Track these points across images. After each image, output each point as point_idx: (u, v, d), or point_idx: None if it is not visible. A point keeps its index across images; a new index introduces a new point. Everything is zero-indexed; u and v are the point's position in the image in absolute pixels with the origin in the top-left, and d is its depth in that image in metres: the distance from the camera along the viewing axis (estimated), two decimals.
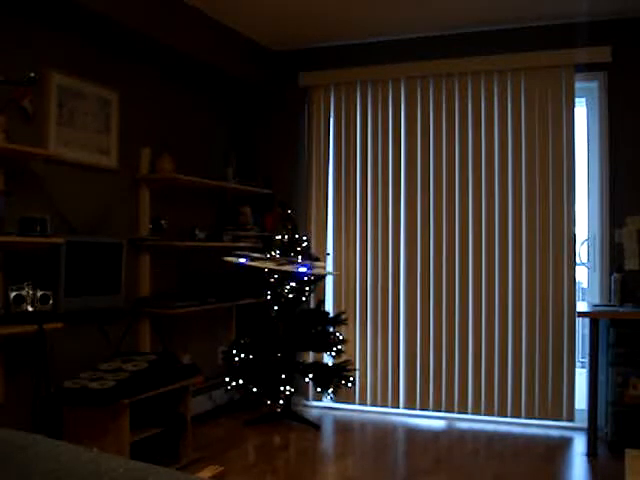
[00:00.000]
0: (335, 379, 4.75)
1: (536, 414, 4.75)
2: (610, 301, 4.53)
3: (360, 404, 5.19)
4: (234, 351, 4.73)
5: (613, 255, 4.60)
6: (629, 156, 4.58)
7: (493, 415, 4.86)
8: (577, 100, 4.74)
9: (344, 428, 4.81)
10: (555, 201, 4.73)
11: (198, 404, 4.66)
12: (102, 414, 3.39)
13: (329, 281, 5.30)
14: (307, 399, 5.29)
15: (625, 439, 4.07)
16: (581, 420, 4.49)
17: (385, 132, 5.18)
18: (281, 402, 4.76)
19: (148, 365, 3.70)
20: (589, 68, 4.66)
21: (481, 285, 4.91)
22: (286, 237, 4.87)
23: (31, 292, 3.29)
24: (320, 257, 5.14)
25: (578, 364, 4.93)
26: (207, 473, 3.23)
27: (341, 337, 4.84)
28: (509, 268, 4.83)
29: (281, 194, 5.42)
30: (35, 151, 3.41)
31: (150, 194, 4.46)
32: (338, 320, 4.87)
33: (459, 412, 4.93)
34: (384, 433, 4.68)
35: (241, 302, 5.06)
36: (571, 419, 4.67)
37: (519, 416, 4.80)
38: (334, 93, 5.34)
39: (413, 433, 4.68)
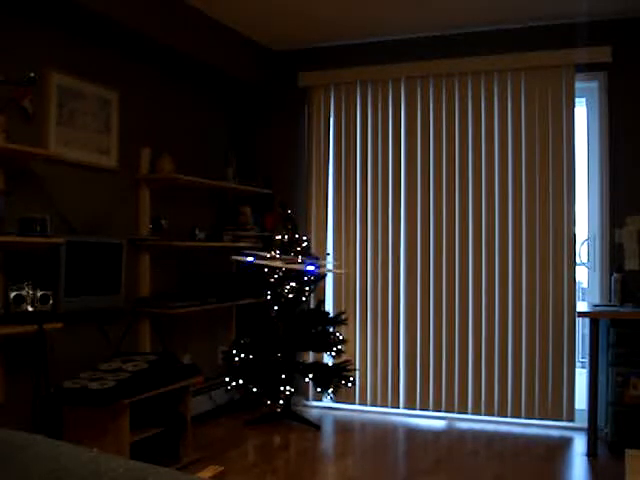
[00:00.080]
0: (335, 379, 4.75)
1: (536, 414, 4.76)
2: (610, 301, 4.53)
3: (360, 404, 5.19)
4: (234, 351, 4.74)
5: (613, 255, 4.60)
6: (629, 156, 4.58)
7: (493, 415, 4.86)
8: (577, 100, 4.74)
9: (344, 428, 4.81)
10: (555, 201, 4.73)
11: (198, 404, 4.66)
12: (102, 414, 3.39)
13: (329, 281, 5.30)
14: (307, 399, 5.29)
15: (625, 439, 4.07)
16: (581, 420, 4.49)
17: (385, 132, 5.18)
18: (281, 402, 4.76)
19: (148, 365, 3.70)
20: (589, 68, 4.66)
21: (481, 285, 4.91)
22: (286, 237, 4.87)
23: (31, 292, 3.29)
24: (320, 257, 5.13)
25: (578, 364, 4.93)
26: (207, 473, 3.23)
27: (341, 337, 4.84)
28: (509, 268, 4.83)
29: (281, 194, 5.42)
30: (35, 151, 3.41)
31: (150, 194, 4.46)
32: (338, 320, 4.87)
33: (459, 412, 4.93)
34: (384, 433, 4.68)
35: (241, 302, 5.06)
36: (571, 419, 4.67)
37: (519, 416, 4.80)
38: (334, 93, 5.34)
39: (413, 433, 4.68)
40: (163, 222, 4.46)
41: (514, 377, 4.81)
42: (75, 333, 3.81)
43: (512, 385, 4.82)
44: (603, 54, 4.58)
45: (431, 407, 5.01)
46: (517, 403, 4.80)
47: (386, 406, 5.13)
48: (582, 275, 5.15)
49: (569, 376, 4.69)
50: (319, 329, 4.81)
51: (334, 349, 4.79)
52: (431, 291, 5.03)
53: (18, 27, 3.52)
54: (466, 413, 4.92)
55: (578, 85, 4.71)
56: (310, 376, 4.73)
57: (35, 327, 3.24)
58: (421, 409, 5.04)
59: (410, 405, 5.07)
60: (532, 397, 4.76)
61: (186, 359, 4.75)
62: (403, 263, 5.12)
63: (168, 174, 4.44)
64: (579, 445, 4.33)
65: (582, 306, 4.47)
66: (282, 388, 4.64)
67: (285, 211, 4.98)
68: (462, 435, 4.61)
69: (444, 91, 5.03)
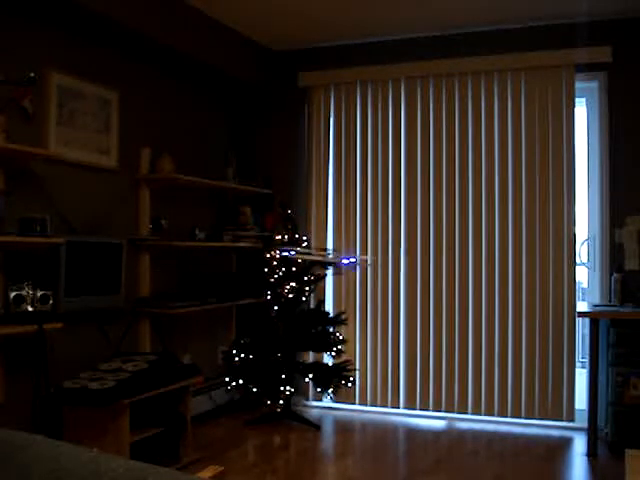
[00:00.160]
0: (335, 379, 4.75)
1: (536, 414, 4.76)
2: (610, 301, 4.53)
3: (360, 404, 5.19)
4: (234, 351, 4.74)
5: (613, 255, 4.60)
6: (629, 156, 4.58)
7: (493, 415, 4.86)
8: (577, 100, 4.74)
9: (344, 428, 4.81)
10: (555, 201, 4.73)
11: (198, 404, 4.66)
12: (102, 414, 3.39)
13: (329, 281, 5.30)
14: (307, 399, 5.29)
15: (625, 439, 4.07)
16: (581, 420, 4.49)
17: (385, 132, 5.18)
18: (281, 402, 4.76)
19: (148, 365, 3.70)
20: (589, 68, 4.66)
21: (481, 285, 4.91)
22: (286, 237, 4.87)
23: (31, 292, 3.29)
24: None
25: (578, 364, 4.93)
26: (207, 473, 3.23)
27: (341, 337, 4.84)
28: (509, 268, 4.83)
29: (281, 194, 5.42)
30: (35, 151, 3.41)
31: (150, 194, 4.46)
32: (338, 320, 4.87)
33: (459, 412, 4.93)
34: (384, 433, 4.68)
35: (241, 302, 5.07)
36: (571, 419, 4.67)
37: (519, 416, 4.80)
38: (334, 93, 5.34)
39: (413, 433, 4.68)
40: (163, 222, 4.46)
41: (514, 377, 4.81)
42: (75, 333, 3.81)
43: (512, 385, 4.82)
44: (603, 54, 4.58)
45: (431, 407, 5.01)
46: (517, 403, 4.80)
47: (386, 406, 5.13)
48: (582, 275, 5.15)
49: (569, 376, 4.69)
50: (319, 329, 4.81)
51: (334, 349, 4.79)
52: (431, 291, 5.03)
53: (18, 27, 3.53)
54: (466, 413, 4.92)
55: (578, 85, 4.71)
56: (310, 376, 4.73)
57: (35, 327, 3.24)
58: (421, 409, 5.04)
59: (410, 405, 5.07)
60: (532, 397, 4.76)
61: (186, 359, 4.75)
62: (403, 263, 5.11)
63: (168, 174, 4.44)
64: (579, 445, 4.33)
65: (582, 306, 4.47)
66: (282, 388, 4.64)
67: (285, 211, 4.98)
68: (462, 435, 4.61)
69: (444, 91, 5.03)
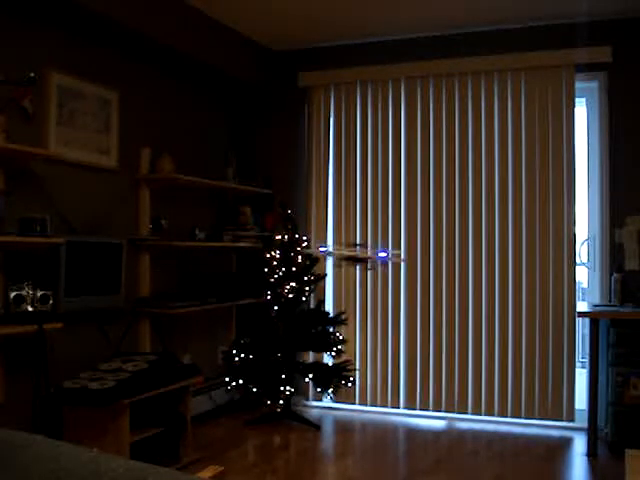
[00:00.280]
0: (335, 379, 4.75)
1: (536, 414, 4.76)
2: (610, 301, 4.53)
3: (360, 404, 5.19)
4: (234, 351, 4.74)
5: (613, 255, 4.60)
6: (629, 156, 4.58)
7: (493, 415, 4.86)
8: (577, 100, 4.74)
9: (344, 428, 4.81)
10: (555, 201, 4.73)
11: (198, 404, 4.66)
12: (102, 414, 3.39)
13: (329, 281, 5.30)
14: (307, 399, 5.29)
15: (625, 439, 4.07)
16: (581, 420, 4.49)
17: (385, 132, 5.18)
18: (281, 402, 4.76)
19: (148, 365, 3.70)
20: (589, 68, 4.66)
21: (481, 285, 4.91)
22: (286, 237, 4.87)
23: (31, 292, 3.29)
24: (320, 258, 5.14)
25: (578, 364, 4.93)
26: (207, 473, 3.23)
27: (341, 337, 4.84)
28: (509, 268, 4.83)
29: (281, 194, 5.42)
30: (35, 151, 3.41)
31: (150, 194, 4.46)
32: (338, 320, 4.87)
33: (459, 412, 4.93)
34: (384, 433, 4.68)
35: (241, 302, 5.07)
36: (571, 419, 4.67)
37: (519, 416, 4.80)
38: (334, 93, 5.34)
39: (413, 433, 4.68)
40: (163, 222, 4.46)
41: (514, 377, 4.81)
42: (75, 333, 3.81)
43: (512, 385, 4.82)
44: (603, 54, 4.58)
45: (431, 407, 5.01)
46: (517, 403, 4.80)
47: (386, 406, 5.13)
48: (582, 275, 5.15)
49: (569, 376, 4.69)
50: (319, 329, 4.81)
51: (334, 349, 4.79)
52: (431, 291, 5.03)
53: (18, 27, 3.52)
54: (466, 413, 4.92)
55: (578, 85, 4.71)
56: (310, 376, 4.73)
57: (35, 327, 3.24)
58: (421, 409, 5.04)
59: (410, 405, 5.07)
60: (532, 397, 4.76)
61: (186, 359, 4.75)
62: (403, 263, 5.11)
63: (168, 174, 4.44)
64: (579, 445, 4.33)
65: (582, 306, 4.47)
66: (282, 388, 4.64)
67: (285, 211, 4.98)
68: (462, 435, 4.61)
69: (444, 91, 5.03)
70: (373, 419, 5.00)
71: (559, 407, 4.70)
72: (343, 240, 5.25)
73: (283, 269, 4.78)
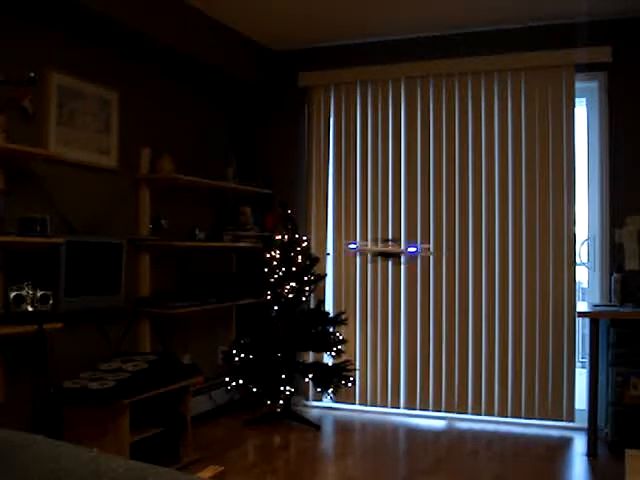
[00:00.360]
0: (335, 379, 4.75)
1: (536, 414, 4.76)
2: (610, 301, 4.53)
3: (360, 404, 5.19)
4: (234, 351, 4.74)
5: (613, 255, 4.60)
6: (629, 156, 4.58)
7: (493, 415, 4.86)
8: (577, 100, 4.74)
9: (344, 428, 4.81)
10: (555, 201, 4.73)
11: (198, 404, 4.66)
12: (102, 414, 3.39)
13: (329, 281, 5.30)
14: (307, 399, 5.29)
15: (625, 439, 4.07)
16: (581, 420, 4.49)
17: (385, 132, 5.18)
18: (281, 402, 4.76)
19: (148, 365, 3.70)
20: (589, 68, 4.66)
21: (481, 285, 4.91)
22: (286, 237, 4.87)
23: (31, 292, 3.29)
24: (320, 257, 5.14)
25: (578, 364, 4.93)
26: (207, 473, 3.23)
27: (341, 337, 4.84)
28: (509, 268, 4.83)
29: (281, 194, 5.42)
30: (35, 151, 3.41)
31: (150, 194, 4.46)
32: (338, 320, 4.87)
33: (459, 412, 4.93)
34: (384, 433, 4.68)
35: (241, 302, 5.07)
36: (571, 419, 4.67)
37: (519, 416, 4.80)
38: (334, 93, 5.34)
39: (413, 433, 4.68)
40: (163, 222, 4.46)
41: (514, 377, 4.81)
42: (75, 333, 3.81)
43: (512, 385, 4.82)
44: (603, 54, 4.58)
45: (431, 407, 5.01)
46: (517, 403, 4.80)
47: (386, 406, 5.13)
48: (582, 275, 5.15)
49: (569, 376, 4.69)
50: (319, 329, 4.81)
51: (334, 349, 4.79)
52: (431, 290, 5.03)
53: (18, 27, 3.53)
54: (466, 413, 4.92)
55: (578, 85, 4.71)
56: (310, 376, 4.73)
57: (35, 327, 3.24)
58: (421, 409, 5.05)
59: (410, 405, 5.07)
60: (532, 397, 4.76)
61: (186, 359, 4.75)
62: (403, 263, 5.11)
63: (168, 174, 4.44)
64: (579, 445, 4.33)
65: (582, 306, 4.47)
66: (282, 388, 4.64)
67: (285, 211, 4.98)
68: (462, 435, 4.61)
69: (444, 91, 5.03)
70: (373, 419, 5.00)
71: (559, 407, 4.70)
72: (343, 240, 5.25)
73: (283, 269, 4.78)
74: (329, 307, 5.23)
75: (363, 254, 5.19)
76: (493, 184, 4.89)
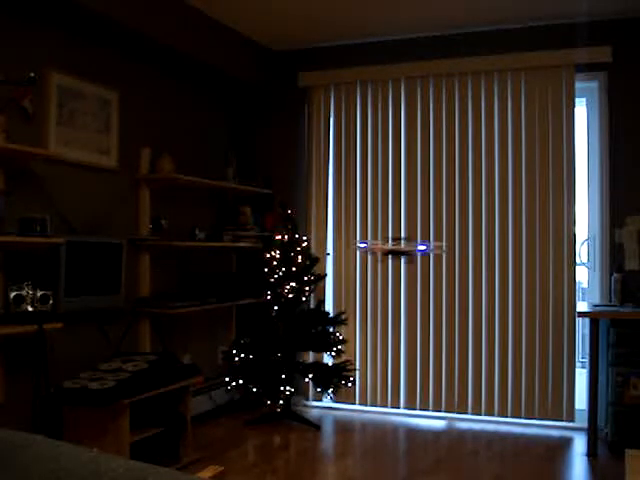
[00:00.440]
0: (335, 379, 4.75)
1: (536, 414, 4.76)
2: (610, 301, 4.53)
3: (360, 404, 5.19)
4: (234, 351, 4.74)
5: (613, 255, 4.60)
6: (629, 156, 4.58)
7: (493, 415, 4.86)
8: (577, 100, 4.74)
9: (344, 428, 4.81)
10: (555, 201, 4.73)
11: (198, 404, 4.66)
12: (102, 414, 3.39)
13: (329, 281, 5.30)
14: (307, 399, 5.29)
15: (625, 439, 4.07)
16: (581, 420, 4.49)
17: (385, 132, 5.18)
18: (281, 402, 4.76)
19: (148, 365, 3.70)
20: (589, 68, 4.66)
21: (481, 285, 4.91)
22: (286, 237, 4.87)
23: (31, 292, 3.29)
24: (320, 257, 5.14)
25: (578, 364, 4.93)
26: (207, 473, 3.23)
27: (341, 337, 4.84)
28: (509, 268, 4.83)
29: (281, 194, 5.42)
30: (35, 151, 3.41)
31: (150, 194, 4.46)
32: (338, 320, 4.87)
33: (459, 412, 4.93)
34: (384, 433, 4.68)
35: (241, 302, 5.07)
36: (571, 419, 4.67)
37: (519, 416, 4.80)
38: (334, 93, 5.34)
39: (413, 433, 4.68)
40: (163, 222, 4.46)
41: (514, 377, 4.81)
42: (75, 333, 3.81)
43: (512, 385, 4.82)
44: (603, 54, 4.58)
45: (431, 407, 5.01)
46: (517, 403, 4.80)
47: (386, 406, 5.13)
48: (582, 275, 5.15)
49: (569, 376, 4.69)
50: (319, 329, 4.81)
51: (334, 349, 4.79)
52: (431, 290, 5.03)
53: (18, 27, 3.53)
54: (466, 413, 4.92)
55: (578, 85, 4.71)
56: (310, 376, 4.73)
57: (35, 327, 3.24)
58: (421, 409, 5.04)
59: (410, 405, 5.07)
60: (532, 397, 4.76)
61: (186, 359, 4.75)
62: (403, 263, 5.11)
63: (168, 174, 4.44)
64: (579, 445, 4.33)
65: (582, 306, 4.47)
66: (282, 388, 4.64)
67: (285, 211, 4.97)
68: (462, 435, 4.61)
69: (444, 91, 5.03)
70: (373, 419, 5.00)
71: (559, 407, 4.70)
72: (343, 240, 5.25)
73: (283, 269, 4.78)
74: (329, 307, 5.23)
75: (362, 254, 5.19)
76: (493, 184, 4.89)
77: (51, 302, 3.38)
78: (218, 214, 5.32)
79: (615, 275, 4.46)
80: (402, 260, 5.11)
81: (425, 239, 5.03)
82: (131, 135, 4.34)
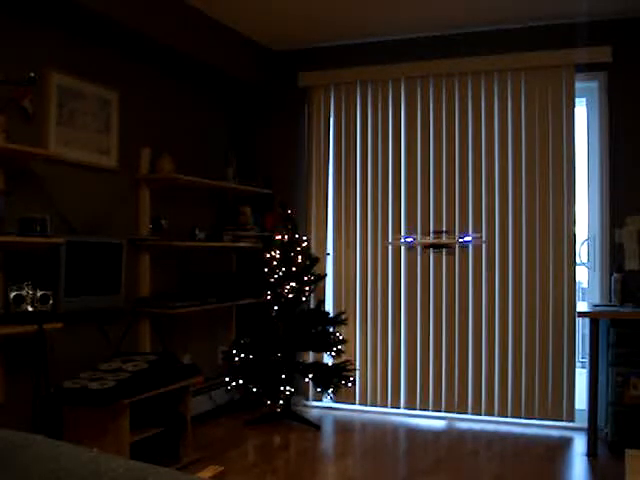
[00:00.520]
0: (335, 379, 4.75)
1: (536, 414, 4.76)
2: (610, 301, 4.53)
3: (360, 404, 5.19)
4: (234, 351, 4.74)
5: (613, 255, 4.60)
6: (629, 156, 4.59)
7: (493, 415, 4.86)
8: (577, 100, 4.74)
9: (344, 428, 4.81)
10: (555, 201, 4.73)
11: (198, 404, 4.66)
12: (102, 414, 3.39)
13: (329, 281, 5.30)
14: (307, 399, 5.29)
15: (625, 439, 4.07)
16: (581, 420, 4.49)
17: (385, 132, 5.18)
18: (281, 402, 4.76)
19: (148, 365, 3.70)
20: (589, 68, 4.66)
21: (481, 285, 4.91)
22: (286, 237, 4.87)
23: (31, 292, 3.29)
24: (320, 257, 5.14)
25: (578, 364, 4.93)
26: (207, 473, 3.23)
27: (341, 337, 4.84)
28: (509, 268, 4.83)
29: (281, 194, 5.42)
30: (35, 151, 3.41)
31: (150, 194, 4.46)
32: (338, 320, 4.87)
33: (459, 412, 4.93)
34: (384, 433, 4.68)
35: (241, 302, 5.07)
36: (571, 419, 4.67)
37: (519, 416, 4.80)
38: (334, 93, 5.34)
39: (413, 433, 4.68)
40: (163, 222, 4.46)
41: (514, 377, 4.81)
42: (75, 333, 3.81)
43: (512, 385, 4.82)
44: (603, 54, 4.58)
45: (431, 407, 5.01)
46: (517, 403, 4.80)
47: (386, 406, 5.13)
48: (582, 275, 5.15)
49: (569, 376, 4.69)
50: (319, 329, 4.81)
51: (334, 349, 4.79)
52: (431, 290, 5.03)
53: (18, 27, 3.53)
54: (466, 413, 4.92)
55: (578, 85, 4.71)
56: (310, 376, 4.73)
57: (35, 327, 3.24)
58: (421, 409, 5.04)
59: (410, 405, 5.07)
60: (532, 397, 4.76)
61: (186, 359, 4.75)
62: (403, 263, 5.12)
63: (168, 174, 4.44)
64: (579, 445, 4.33)
65: (582, 306, 4.47)
66: (282, 388, 4.64)
67: (285, 211, 4.98)
68: (462, 435, 4.61)
69: (444, 91, 5.03)
70: (373, 419, 5.00)
71: (559, 407, 4.70)
72: (343, 240, 5.25)
73: (283, 269, 4.78)
74: (329, 307, 5.23)
75: (363, 252, 5.19)
76: (493, 184, 4.89)
77: (51, 302, 3.38)
78: (218, 214, 5.32)
79: (615, 275, 4.46)
80: (402, 260, 5.11)
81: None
82: (131, 135, 4.34)
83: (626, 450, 2.90)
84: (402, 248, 5.12)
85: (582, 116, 4.83)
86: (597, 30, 4.60)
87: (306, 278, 4.83)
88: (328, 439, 4.55)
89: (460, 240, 4.94)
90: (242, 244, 5.15)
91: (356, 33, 5.08)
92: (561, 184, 4.72)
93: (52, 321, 3.35)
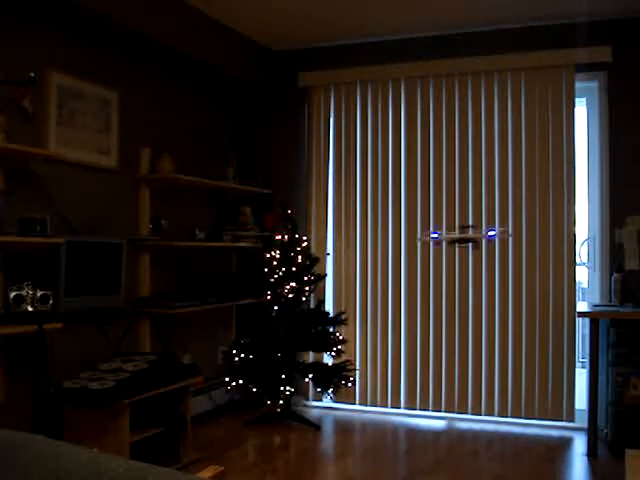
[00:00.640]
0: (335, 379, 4.75)
1: (536, 414, 4.75)
2: (610, 301, 4.53)
3: (360, 404, 5.19)
4: (234, 351, 4.74)
5: (613, 255, 4.60)
6: (629, 156, 4.59)
7: (493, 415, 4.86)
8: (577, 100, 4.74)
9: (344, 428, 4.81)
10: (555, 201, 4.73)
11: (198, 404, 4.66)
12: (102, 414, 3.39)
13: (329, 281, 5.30)
14: (307, 399, 5.29)
15: (625, 439, 4.07)
16: (581, 420, 4.49)
17: (385, 132, 5.18)
18: (281, 402, 4.76)
19: (148, 365, 3.70)
20: (589, 68, 4.66)
21: (481, 285, 4.91)
22: (286, 237, 4.87)
23: (31, 292, 3.29)
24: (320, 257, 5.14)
25: (578, 364, 4.93)
26: (207, 473, 3.24)
27: (341, 337, 4.84)
28: (509, 267, 4.83)
29: (281, 194, 5.42)
30: (35, 151, 3.41)
31: (150, 194, 4.46)
32: (338, 320, 4.87)
33: (459, 412, 4.93)
34: (384, 433, 4.68)
35: (241, 302, 5.07)
36: (571, 419, 4.67)
37: (519, 416, 4.80)
38: (334, 93, 5.34)
39: (413, 433, 4.68)
40: (163, 222, 4.46)
41: (514, 377, 4.81)
42: (75, 333, 3.81)
43: (512, 385, 4.82)
44: (603, 54, 4.58)
45: (431, 407, 5.01)
46: (517, 403, 4.80)
47: (386, 406, 5.13)
48: (582, 275, 5.14)
49: (569, 376, 4.69)
50: (319, 329, 4.81)
51: (334, 349, 4.79)
52: (431, 290, 5.02)
53: (18, 27, 3.52)
54: (466, 413, 4.92)
55: (578, 85, 4.71)
56: (310, 376, 4.73)
57: (35, 327, 3.24)
58: (421, 409, 5.04)
59: (410, 405, 5.07)
60: (532, 397, 4.76)
61: (186, 359, 4.75)
62: (403, 263, 5.11)
63: (168, 174, 4.44)
64: (579, 445, 4.33)
65: (582, 306, 4.47)
66: (282, 388, 4.64)
67: (285, 211, 4.97)
68: (462, 435, 4.61)
69: (444, 91, 5.03)
70: (373, 419, 5.00)
71: (559, 407, 4.70)
72: (343, 240, 5.25)
73: (283, 269, 4.78)
74: (329, 307, 5.23)
75: (363, 252, 5.19)
76: (493, 184, 4.89)
77: (51, 302, 3.38)
78: (218, 214, 5.32)
79: (615, 275, 4.46)
80: (402, 260, 5.11)
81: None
82: (131, 135, 4.34)
83: (626, 450, 2.90)
84: (402, 248, 5.11)
85: (582, 116, 4.84)
86: (597, 30, 4.60)
87: (306, 278, 4.83)
88: (328, 439, 4.55)
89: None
90: (242, 244, 5.15)
91: (356, 33, 5.08)
92: (561, 184, 4.72)
93: (52, 321, 3.35)
